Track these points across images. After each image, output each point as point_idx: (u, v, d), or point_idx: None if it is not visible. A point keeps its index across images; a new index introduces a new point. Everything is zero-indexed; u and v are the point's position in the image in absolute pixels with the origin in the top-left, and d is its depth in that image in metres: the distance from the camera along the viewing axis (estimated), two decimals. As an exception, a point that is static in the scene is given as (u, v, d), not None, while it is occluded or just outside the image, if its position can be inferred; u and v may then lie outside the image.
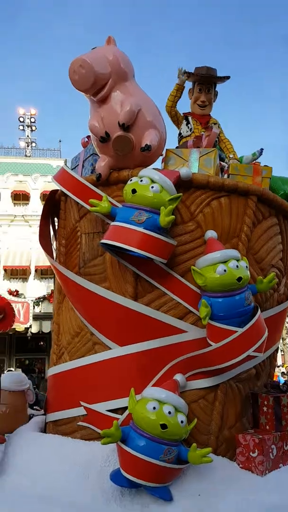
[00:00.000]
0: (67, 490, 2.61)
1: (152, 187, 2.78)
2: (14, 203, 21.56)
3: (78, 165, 3.90)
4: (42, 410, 5.54)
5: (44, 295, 19.93)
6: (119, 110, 2.99)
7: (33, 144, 24.87)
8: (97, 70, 2.91)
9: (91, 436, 2.96)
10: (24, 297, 19.20)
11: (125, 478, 2.48)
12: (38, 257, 20.47)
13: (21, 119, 25.30)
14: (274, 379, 4.00)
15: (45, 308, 19.71)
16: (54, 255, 3.72)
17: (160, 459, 2.43)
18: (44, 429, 3.50)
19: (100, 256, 3.21)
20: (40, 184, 21.31)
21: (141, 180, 2.84)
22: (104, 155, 3.18)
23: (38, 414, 4.71)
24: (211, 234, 3.00)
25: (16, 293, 18.92)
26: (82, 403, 3.03)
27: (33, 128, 25.37)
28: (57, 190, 3.69)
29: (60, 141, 28.27)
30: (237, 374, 2.98)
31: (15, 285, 20.22)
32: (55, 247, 3.85)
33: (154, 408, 2.52)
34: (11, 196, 21.40)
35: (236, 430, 2.98)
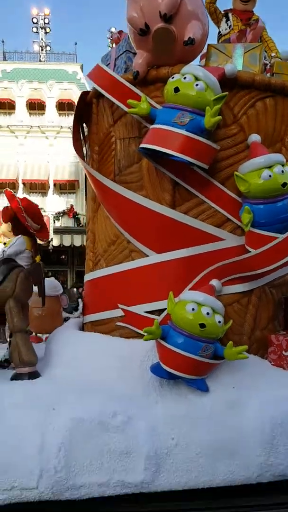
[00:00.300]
0: (110, 381, 2.80)
1: (197, 84, 2.61)
2: (29, 113, 20.83)
3: (109, 63, 3.64)
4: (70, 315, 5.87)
5: (64, 210, 20.11)
6: None
7: (48, 48, 23.36)
8: None
9: (129, 335, 3.12)
10: (44, 211, 19.44)
11: (164, 371, 2.65)
12: (56, 171, 20.28)
13: (35, 20, 23.54)
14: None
15: (65, 222, 20.02)
16: (86, 162, 3.64)
17: (199, 354, 2.58)
18: (82, 329, 3.70)
19: (137, 164, 3.13)
20: (55, 92, 20.33)
21: (184, 78, 2.66)
22: (141, 51, 2.95)
23: (73, 317, 5.01)
24: (255, 138, 2.87)
25: (36, 207, 19.08)
26: (120, 305, 3.15)
27: (47, 30, 23.66)
28: (88, 92, 3.51)
29: (76, 44, 26.45)
30: (272, 280, 3.04)
31: (35, 199, 20.18)
32: (85, 154, 3.75)
33: (193, 309, 2.62)
34: (27, 105, 20.63)
35: (268, 332, 3.11)
